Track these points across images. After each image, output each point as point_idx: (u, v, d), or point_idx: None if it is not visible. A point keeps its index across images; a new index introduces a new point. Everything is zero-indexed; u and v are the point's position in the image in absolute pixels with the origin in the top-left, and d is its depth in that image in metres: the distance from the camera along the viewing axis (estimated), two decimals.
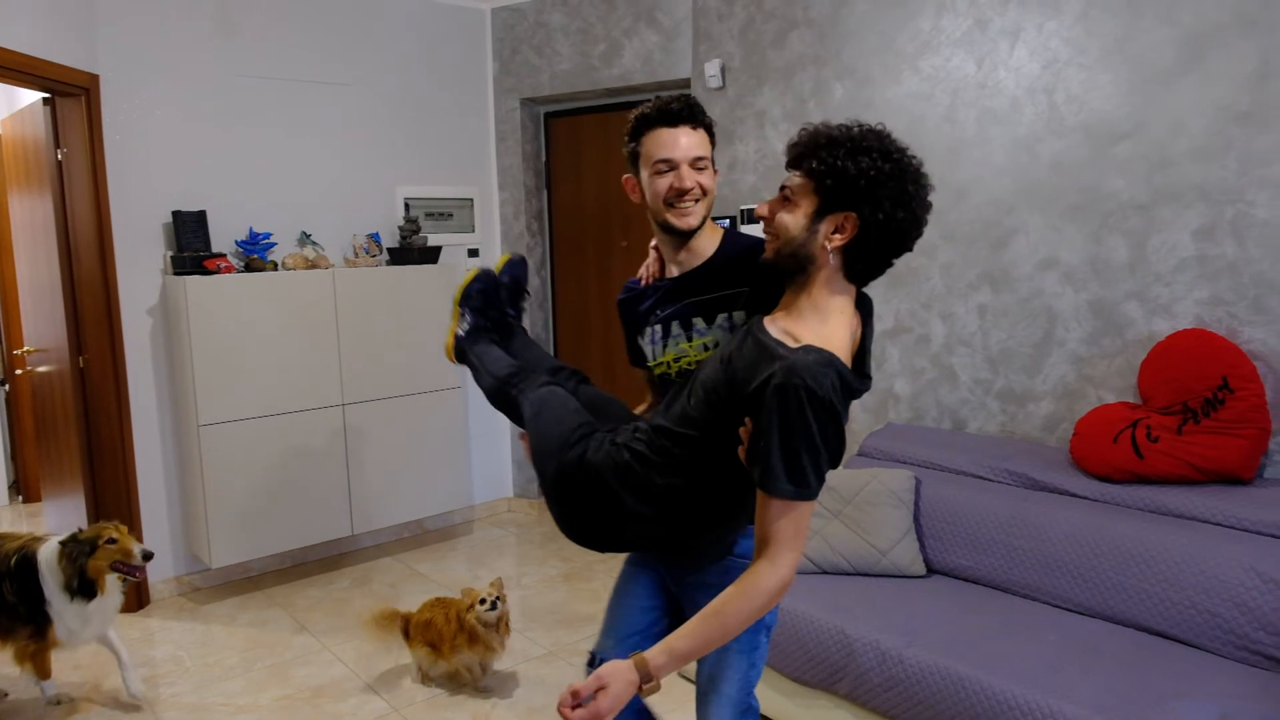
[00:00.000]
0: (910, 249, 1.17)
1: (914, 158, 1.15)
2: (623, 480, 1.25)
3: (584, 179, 4.14)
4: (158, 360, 3.34)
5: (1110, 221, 2.48)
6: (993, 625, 2.05)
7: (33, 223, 3.34)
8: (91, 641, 2.43)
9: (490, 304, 1.62)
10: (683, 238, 1.41)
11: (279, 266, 3.44)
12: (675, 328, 1.43)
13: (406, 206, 3.92)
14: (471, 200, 4.16)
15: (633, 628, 1.48)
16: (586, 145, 4.13)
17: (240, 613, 3.22)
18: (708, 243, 1.43)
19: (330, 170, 3.70)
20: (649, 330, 1.47)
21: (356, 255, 3.66)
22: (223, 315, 3.19)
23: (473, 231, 4.18)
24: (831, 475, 2.55)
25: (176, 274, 3.19)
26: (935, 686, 1.88)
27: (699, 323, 1.40)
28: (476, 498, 4.21)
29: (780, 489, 1.08)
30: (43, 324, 3.37)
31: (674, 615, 1.48)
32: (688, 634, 1.10)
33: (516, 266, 1.67)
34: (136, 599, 3.26)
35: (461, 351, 1.61)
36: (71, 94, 3.00)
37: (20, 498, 4.77)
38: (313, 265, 3.48)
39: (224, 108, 3.40)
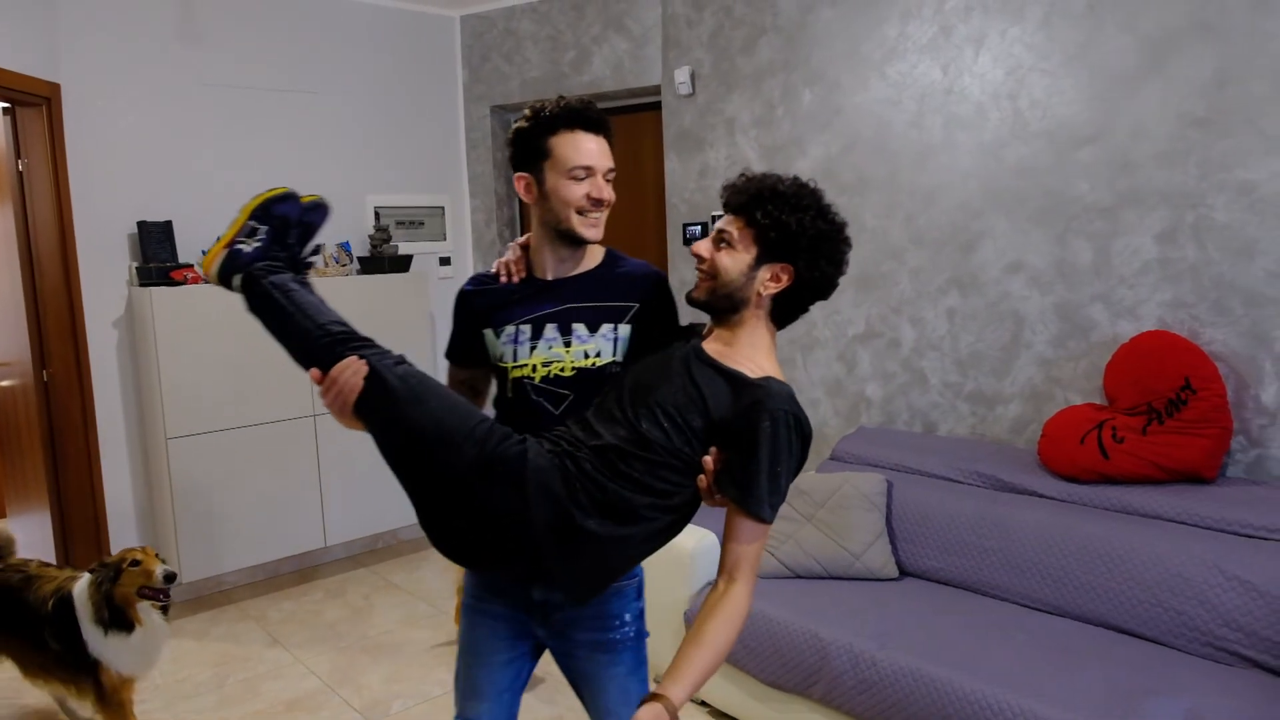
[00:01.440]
0: (826, 299, 1.26)
1: (840, 215, 1.25)
2: (573, 491, 1.14)
3: None
4: (124, 372, 3.28)
5: (1075, 225, 2.51)
6: (964, 626, 2.06)
7: None
8: (145, 676, 2.24)
9: (284, 237, 1.34)
10: (577, 246, 1.37)
11: None
12: (550, 330, 1.35)
13: (377, 215, 3.89)
14: (443, 208, 4.14)
15: (501, 684, 1.39)
16: None
17: (212, 627, 3.17)
18: (594, 253, 1.42)
19: (299, 179, 3.65)
20: (511, 329, 1.36)
21: (327, 265, 3.63)
22: (190, 326, 3.14)
23: (444, 240, 4.15)
24: (803, 479, 2.56)
25: (142, 285, 3.14)
26: (909, 689, 1.88)
27: (580, 329, 1.35)
28: None
29: (764, 513, 1.12)
30: (5, 337, 3.31)
31: (534, 660, 1.42)
32: (691, 666, 1.08)
33: (321, 212, 1.42)
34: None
35: (237, 271, 1.29)
36: (32, 104, 2.95)
37: None
38: None
39: (189, 117, 3.35)
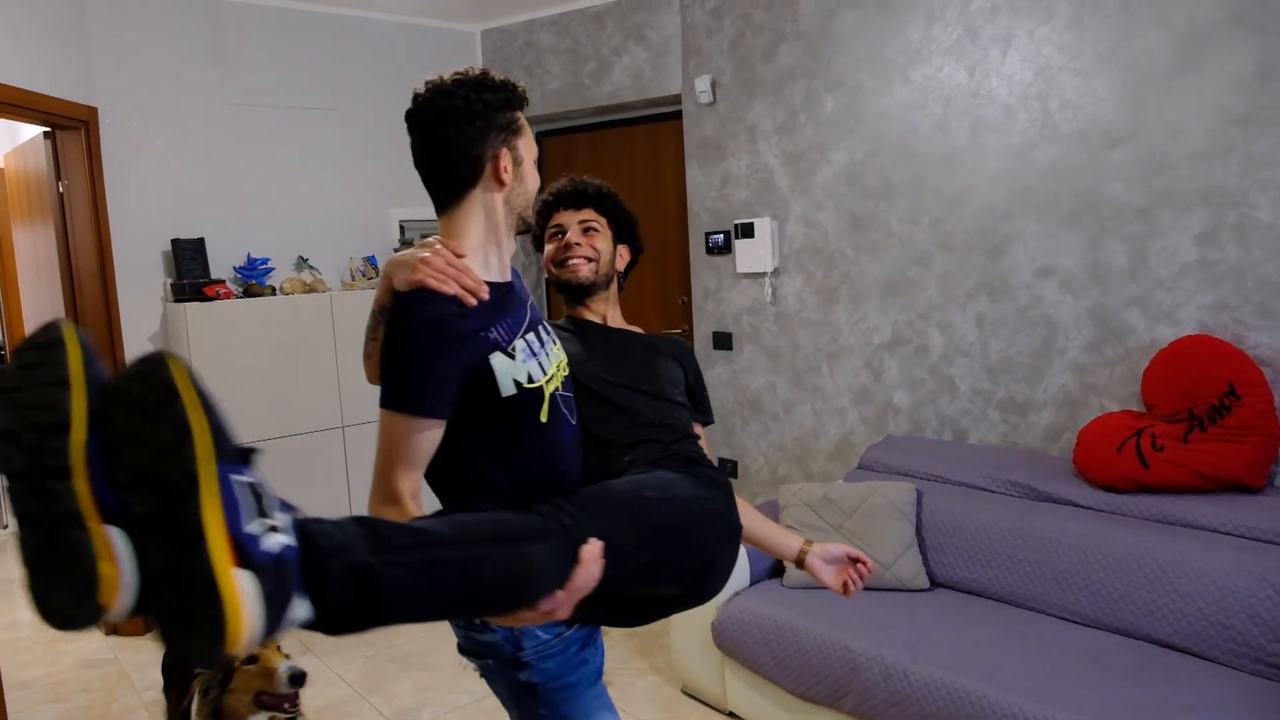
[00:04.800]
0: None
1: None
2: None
3: None
4: None
5: (1109, 227, 2.45)
6: (998, 638, 2.01)
7: (36, 254, 3.38)
8: None
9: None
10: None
11: (277, 291, 3.46)
12: (542, 331, 1.18)
13: (401, 229, 3.94)
14: None
15: None
16: (578, 163, 4.13)
17: None
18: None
19: (325, 194, 3.72)
20: (523, 342, 1.11)
21: (353, 278, 3.68)
22: (223, 340, 3.21)
23: None
24: (831, 488, 2.53)
25: (177, 301, 3.22)
26: (941, 701, 1.84)
27: (547, 326, 1.22)
28: None
29: (713, 418, 1.50)
30: None
31: None
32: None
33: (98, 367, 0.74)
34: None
35: (291, 594, 0.69)
36: (71, 127, 3.04)
37: None
38: (310, 289, 3.50)
39: (219, 136, 3.43)
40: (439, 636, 3.12)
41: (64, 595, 0.62)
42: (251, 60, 3.49)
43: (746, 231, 3.30)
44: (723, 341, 3.53)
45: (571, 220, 1.40)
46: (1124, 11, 2.36)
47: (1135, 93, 2.36)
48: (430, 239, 1.12)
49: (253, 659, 1.69)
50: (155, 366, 0.66)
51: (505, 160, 1.14)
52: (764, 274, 3.32)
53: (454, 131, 1.11)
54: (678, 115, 3.67)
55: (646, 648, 2.91)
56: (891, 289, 2.97)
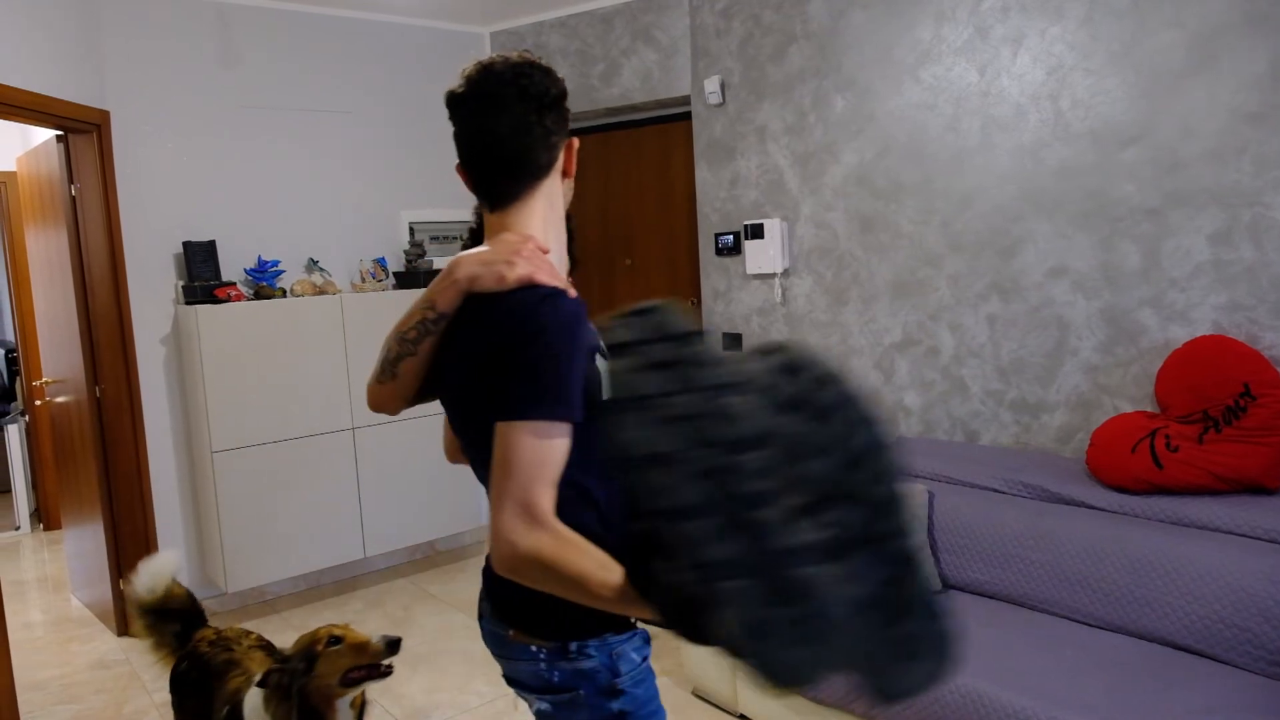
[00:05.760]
0: None
1: None
2: None
3: (586, 199, 4.15)
4: (171, 388, 3.38)
5: (1121, 227, 2.44)
6: (1011, 640, 2.00)
7: (49, 257, 3.40)
8: None
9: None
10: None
11: (288, 293, 3.48)
12: None
13: (411, 231, 3.95)
14: None
15: None
16: (588, 165, 4.13)
17: None
18: None
19: (336, 197, 3.73)
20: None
21: (363, 280, 3.69)
22: (234, 342, 3.22)
23: None
24: None
25: (188, 303, 3.23)
26: (955, 704, 1.84)
27: None
28: (486, 518, 4.19)
29: None
30: (60, 355, 3.42)
31: None
32: None
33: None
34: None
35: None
36: (83, 130, 3.06)
37: (41, 525, 4.83)
38: (321, 291, 3.51)
39: (230, 139, 3.45)
40: (448, 638, 3.12)
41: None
42: (262, 63, 3.51)
43: (756, 232, 3.30)
44: (733, 343, 3.53)
45: None
46: (1136, 11, 2.35)
47: (1148, 92, 2.35)
48: (505, 235, 1.02)
49: (336, 640, 1.64)
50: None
51: (574, 149, 1.08)
52: (774, 275, 3.32)
53: (535, 116, 1.00)
54: (687, 116, 3.66)
55: (657, 650, 2.91)
56: (902, 290, 2.96)
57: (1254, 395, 2.09)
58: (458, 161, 1.07)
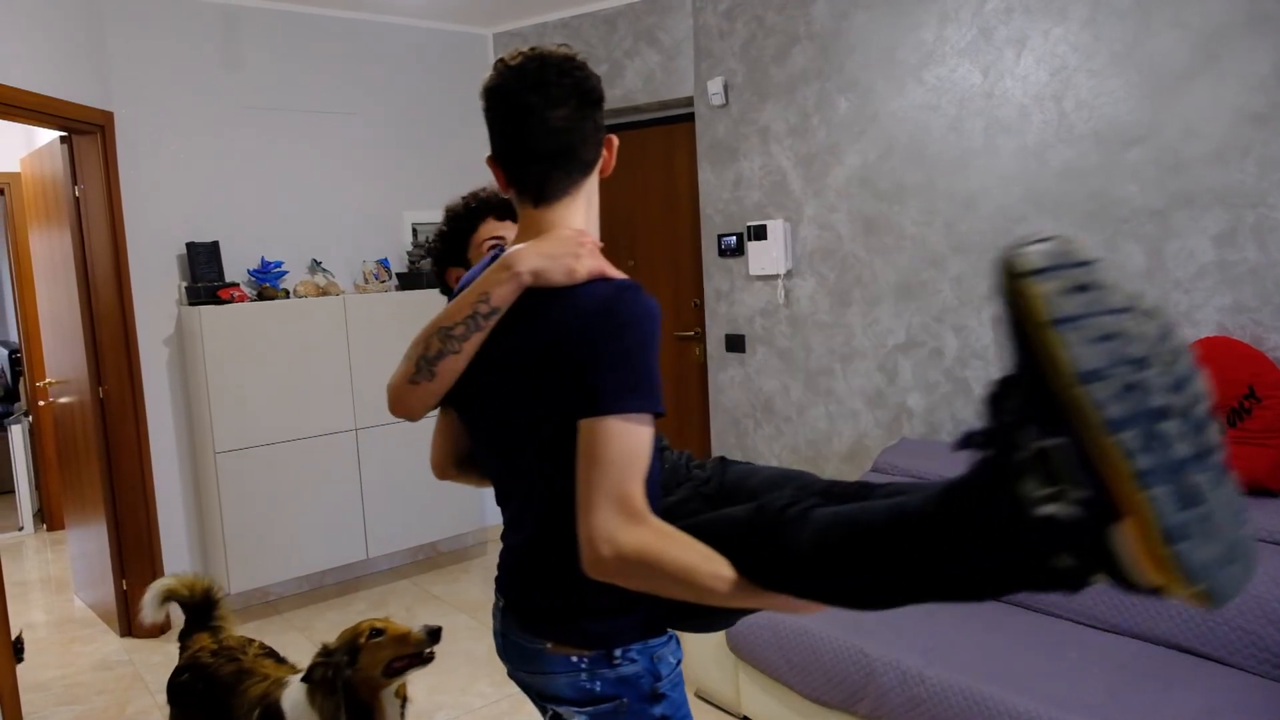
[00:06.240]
0: None
1: None
2: None
3: None
4: (174, 389, 3.38)
5: (1125, 228, 2.44)
6: (1015, 643, 2.00)
7: (52, 258, 3.41)
8: None
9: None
10: None
11: (291, 294, 3.48)
12: None
13: (414, 232, 3.95)
14: None
15: None
16: None
17: (259, 637, 3.21)
18: None
19: (339, 198, 3.74)
20: None
21: (366, 281, 3.69)
22: (237, 343, 3.22)
23: None
24: None
25: (191, 304, 3.24)
26: (957, 706, 1.83)
27: None
28: (489, 519, 4.21)
29: None
30: (63, 356, 3.43)
31: None
32: None
33: None
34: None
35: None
36: (87, 131, 3.06)
37: (44, 526, 4.84)
38: (324, 292, 3.51)
39: (233, 140, 3.45)
40: (451, 639, 3.12)
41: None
42: (265, 64, 3.52)
43: (759, 234, 3.30)
44: (735, 344, 3.53)
45: (511, 231, 1.37)
46: (1139, 11, 2.35)
47: (1152, 93, 2.35)
48: (559, 230, 0.99)
49: (378, 632, 1.64)
50: None
51: (614, 146, 1.06)
52: (777, 276, 3.32)
53: (586, 110, 0.98)
54: (690, 117, 3.67)
55: None
56: (905, 291, 2.96)
57: (1258, 397, 2.09)
58: (489, 154, 1.02)
